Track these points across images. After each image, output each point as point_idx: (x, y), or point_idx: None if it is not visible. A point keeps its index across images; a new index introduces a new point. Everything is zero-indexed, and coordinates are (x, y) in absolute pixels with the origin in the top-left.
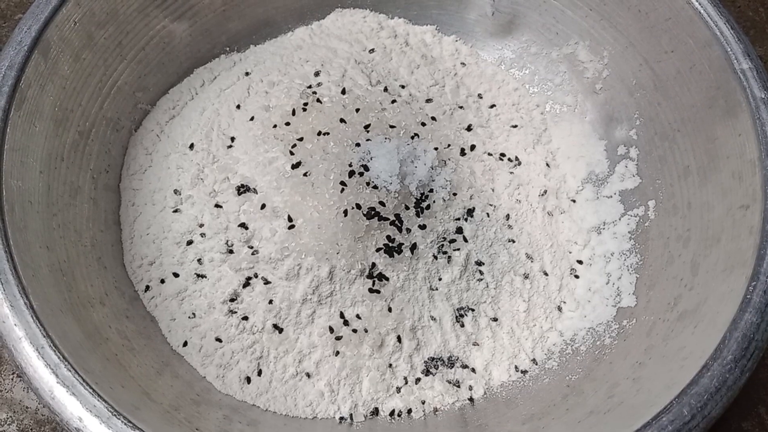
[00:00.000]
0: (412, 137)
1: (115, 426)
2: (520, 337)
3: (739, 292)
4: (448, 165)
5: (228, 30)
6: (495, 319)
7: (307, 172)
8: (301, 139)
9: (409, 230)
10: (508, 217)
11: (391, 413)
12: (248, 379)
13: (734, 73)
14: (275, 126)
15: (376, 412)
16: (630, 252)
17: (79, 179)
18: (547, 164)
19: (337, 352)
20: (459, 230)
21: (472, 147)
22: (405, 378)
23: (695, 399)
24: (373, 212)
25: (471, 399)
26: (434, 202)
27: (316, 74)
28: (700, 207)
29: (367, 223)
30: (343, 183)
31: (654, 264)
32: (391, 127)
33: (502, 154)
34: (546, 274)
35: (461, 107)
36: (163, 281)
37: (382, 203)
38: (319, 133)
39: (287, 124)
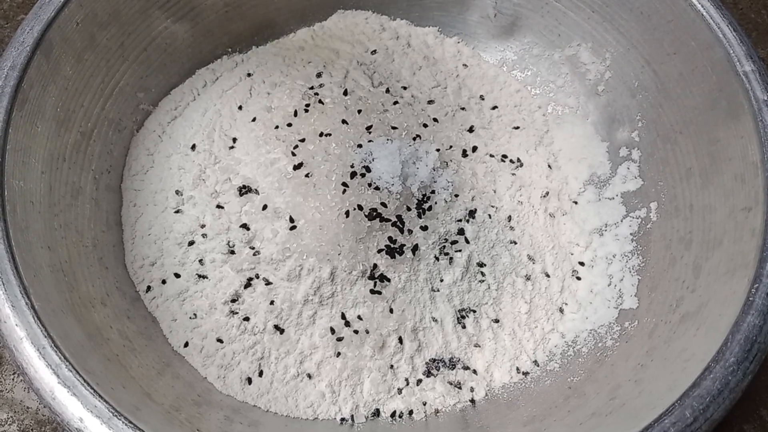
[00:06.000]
0: (414, 138)
1: (115, 426)
2: (521, 338)
3: (741, 295)
4: (450, 166)
5: (230, 31)
6: (496, 321)
7: (308, 173)
8: (303, 140)
9: (410, 231)
10: (509, 218)
11: (393, 414)
12: (249, 380)
13: (736, 75)
14: (277, 127)
15: (377, 413)
16: (632, 254)
17: (81, 180)
18: (549, 166)
19: (339, 353)
20: (461, 231)
21: (474, 148)
22: (406, 379)
23: (697, 401)
24: (374, 213)
25: (472, 400)
26: (436, 203)
27: (318, 75)
28: (702, 209)
29: (368, 224)
30: (344, 184)
31: (656, 266)
32: (393, 128)
33: (504, 156)
34: (548, 275)
35: (463, 109)
36: (164, 282)
37: (383, 204)
38: (321, 134)
39: (289, 125)
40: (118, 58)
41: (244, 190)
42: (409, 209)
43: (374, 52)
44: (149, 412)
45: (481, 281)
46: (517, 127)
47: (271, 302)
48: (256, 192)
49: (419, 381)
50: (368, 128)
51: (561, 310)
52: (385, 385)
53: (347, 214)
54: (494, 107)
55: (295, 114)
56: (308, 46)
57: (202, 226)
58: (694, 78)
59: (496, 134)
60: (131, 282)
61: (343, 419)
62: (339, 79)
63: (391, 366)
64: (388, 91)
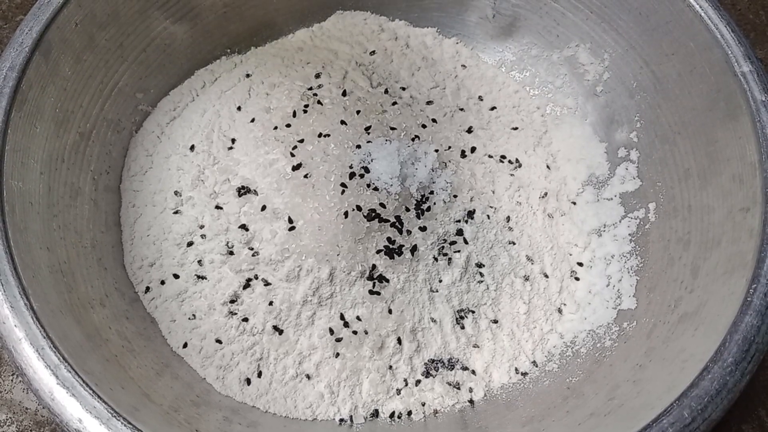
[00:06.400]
0: (413, 139)
1: (114, 427)
2: (520, 339)
3: (739, 295)
4: (449, 167)
5: (229, 32)
6: (495, 321)
7: (307, 174)
8: (301, 141)
9: (409, 232)
10: (508, 219)
11: (391, 415)
12: (248, 381)
13: (735, 75)
14: (276, 128)
15: (376, 413)
16: (630, 254)
17: (80, 180)
18: (548, 166)
19: (338, 354)
20: (459, 232)
21: (473, 149)
22: (405, 380)
23: (695, 401)
24: (373, 214)
25: (471, 401)
26: (435, 204)
27: (317, 76)
28: (700, 210)
29: (367, 224)
30: (343, 185)
31: (654, 266)
32: (392, 129)
33: (503, 156)
34: (546, 276)
35: (462, 109)
36: (163, 282)
37: (382, 205)
38: (320, 135)
39: (288, 125)
40: (117, 58)
41: (243, 190)
42: (407, 210)
43: (373, 52)
44: (148, 412)
45: (480, 282)
46: (516, 128)
47: (270, 303)
48: (255, 193)
49: (418, 381)
50: (367, 129)
51: (560, 311)
52: (384, 385)
53: (346, 214)
54: (493, 108)
55: (294, 115)
56: (307, 46)
57: (201, 227)
58: (692, 79)
59: (495, 135)
60: (130, 283)
61: (342, 420)
62: (338, 79)
63: (390, 367)
64: (386, 91)
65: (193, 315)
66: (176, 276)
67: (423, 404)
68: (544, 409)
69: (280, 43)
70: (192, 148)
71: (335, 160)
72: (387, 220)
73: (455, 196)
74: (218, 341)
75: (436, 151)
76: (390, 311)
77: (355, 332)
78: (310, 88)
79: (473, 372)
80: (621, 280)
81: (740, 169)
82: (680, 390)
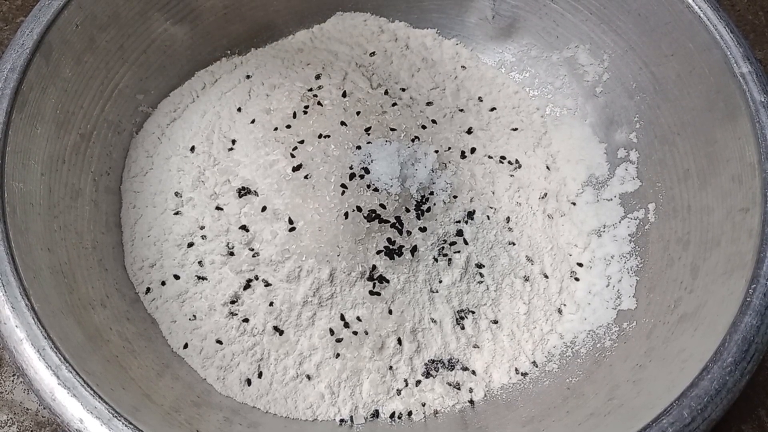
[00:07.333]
0: (413, 140)
1: (115, 427)
2: (520, 339)
3: (739, 295)
4: (449, 168)
5: (229, 33)
6: (495, 322)
7: (307, 175)
8: (302, 142)
9: (409, 233)
10: (508, 219)
11: (392, 415)
12: (249, 381)
13: (734, 76)
14: (276, 129)
15: (376, 414)
16: (630, 255)
17: (81, 181)
18: (548, 167)
19: (338, 354)
20: (459, 233)
21: (473, 150)
22: (405, 380)
23: (695, 401)
24: (373, 215)
25: (471, 401)
26: (435, 204)
27: (317, 77)
28: (700, 210)
29: (367, 225)
30: (343, 185)
31: (654, 267)
32: (392, 129)
33: (503, 157)
34: (546, 276)
35: (461, 110)
36: (163, 283)
37: (382, 206)
38: (320, 136)
39: (288, 126)
40: (118, 60)
41: (244, 191)
42: (407, 210)
43: (373, 53)
44: (149, 413)
45: (480, 282)
46: (516, 129)
47: (271, 303)
48: (255, 193)
49: (418, 382)
50: (367, 130)
51: (559, 311)
52: (384, 386)
53: (346, 215)
54: (492, 109)
55: (294, 116)
56: (307, 48)
57: (202, 228)
58: (691, 79)
59: (495, 136)
60: (131, 283)
61: (342, 420)
62: (338, 80)
63: (390, 367)
64: (386, 92)
65: (194, 316)
66: (177, 277)
67: (423, 404)
68: (544, 410)
69: (280, 45)
70: (192, 149)
71: (335, 161)
72: (387, 221)
73: (455, 197)
74: (219, 342)
75: (436, 152)
76: (390, 312)
77: (355, 333)
78: (310, 89)
79: (473, 372)
80: (621, 281)
81: (739, 169)
82: (680, 390)
